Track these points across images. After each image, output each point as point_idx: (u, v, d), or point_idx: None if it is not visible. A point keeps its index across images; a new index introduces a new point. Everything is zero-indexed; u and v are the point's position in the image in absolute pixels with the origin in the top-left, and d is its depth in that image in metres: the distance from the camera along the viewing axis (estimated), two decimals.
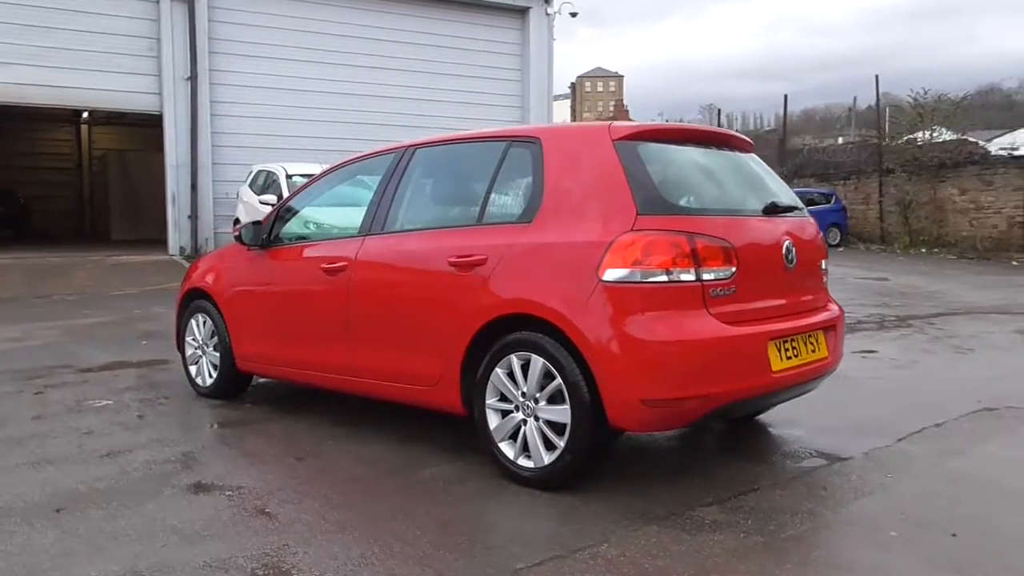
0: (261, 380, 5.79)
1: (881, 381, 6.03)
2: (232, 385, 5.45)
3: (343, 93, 17.28)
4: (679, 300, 3.42)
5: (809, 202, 21.72)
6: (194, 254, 15.73)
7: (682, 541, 3.11)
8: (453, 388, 3.96)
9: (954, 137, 19.91)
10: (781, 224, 4.00)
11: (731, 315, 3.52)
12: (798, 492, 3.64)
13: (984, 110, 61.07)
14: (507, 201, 4.00)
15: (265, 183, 14.50)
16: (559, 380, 3.53)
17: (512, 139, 4.06)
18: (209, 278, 5.50)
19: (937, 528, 3.25)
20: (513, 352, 3.70)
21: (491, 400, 3.81)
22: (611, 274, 3.42)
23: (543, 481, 3.63)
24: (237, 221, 14.09)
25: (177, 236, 16.40)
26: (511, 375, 3.73)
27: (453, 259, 3.94)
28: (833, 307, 4.35)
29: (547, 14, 17.58)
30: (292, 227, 5.12)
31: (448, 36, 17.37)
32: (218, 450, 4.38)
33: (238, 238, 5.16)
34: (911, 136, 20.39)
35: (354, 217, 4.82)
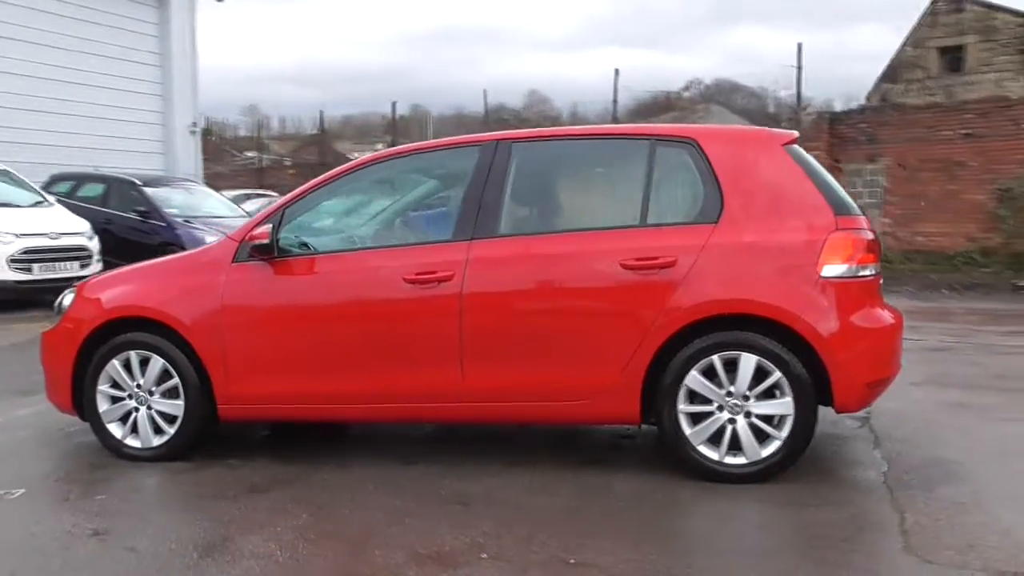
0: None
1: None
2: (195, 440, 4.24)
3: None
4: (872, 292, 3.79)
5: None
6: None
7: None
8: (630, 397, 3.75)
9: None
10: None
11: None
12: None
13: (497, 126, 70.44)
14: (672, 201, 3.91)
15: None
16: (778, 374, 3.63)
17: (656, 138, 3.97)
18: (162, 302, 4.19)
19: None
20: (715, 353, 3.68)
21: (683, 405, 3.72)
22: (829, 270, 3.64)
23: (757, 476, 3.68)
24: None
25: None
26: (710, 376, 3.69)
27: (630, 262, 3.73)
28: None
29: None
30: (317, 233, 4.20)
31: (86, 9, 14.54)
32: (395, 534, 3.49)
33: (260, 248, 4.02)
34: None
35: (414, 221, 4.17)
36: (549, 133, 4.25)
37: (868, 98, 17.74)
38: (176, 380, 4.18)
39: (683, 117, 43.31)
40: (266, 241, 4.00)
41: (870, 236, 3.78)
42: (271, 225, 4.04)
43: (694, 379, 3.70)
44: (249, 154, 38.34)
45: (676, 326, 3.68)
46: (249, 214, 14.67)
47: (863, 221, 3.83)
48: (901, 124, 14.65)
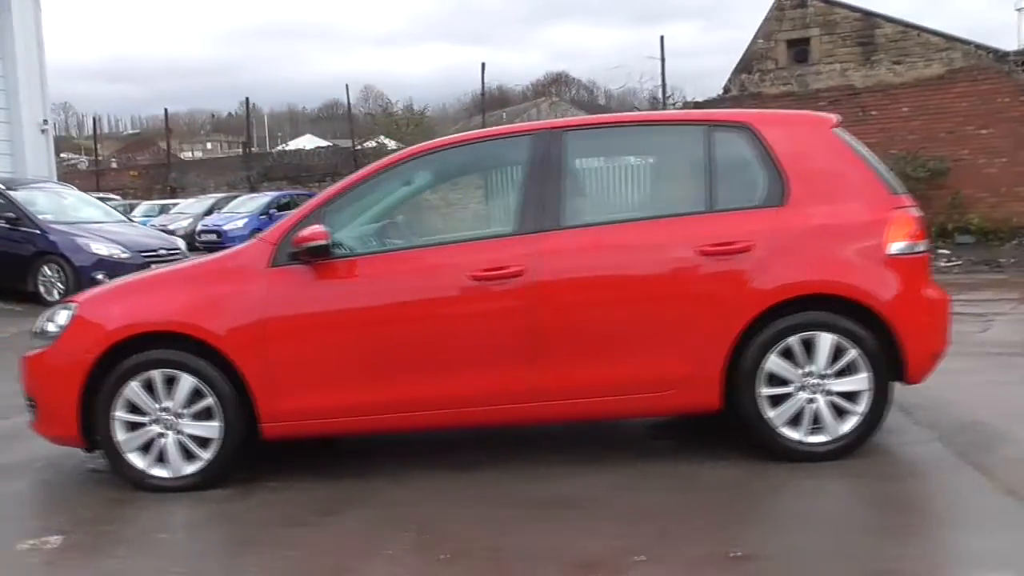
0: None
1: None
2: (232, 465, 3.84)
3: None
4: (927, 267, 3.97)
5: (295, 204, 22.08)
6: None
7: None
8: (711, 385, 3.75)
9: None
10: None
11: None
12: None
13: (331, 121, 68.65)
14: (735, 186, 3.90)
15: None
16: (854, 351, 3.74)
17: (710, 123, 3.97)
18: (190, 314, 3.74)
19: None
20: (793, 334, 3.74)
21: (763, 388, 3.76)
22: (894, 247, 3.78)
23: (837, 453, 3.78)
24: None
25: None
26: (788, 357, 3.75)
27: (707, 248, 3.72)
28: None
29: None
30: (363, 232, 3.89)
31: None
32: None
33: (314, 251, 3.65)
34: (383, 142, 22.34)
35: (467, 215, 3.95)
36: (601, 120, 4.17)
37: (727, 88, 18.73)
38: (210, 399, 3.76)
39: (523, 110, 44.14)
40: (323, 242, 3.66)
41: (919, 213, 3.97)
42: (322, 226, 3.70)
43: (773, 362, 3.74)
44: (66, 156, 35.21)
45: (756, 310, 3.71)
46: (130, 218, 13.49)
47: (910, 199, 4.02)
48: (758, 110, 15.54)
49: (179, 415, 3.78)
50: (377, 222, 4.07)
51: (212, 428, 3.78)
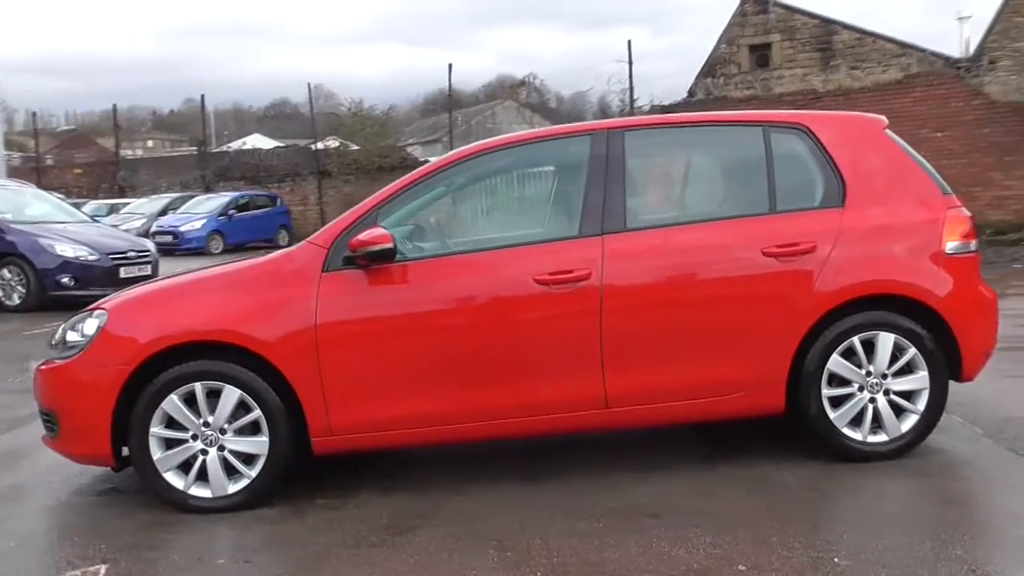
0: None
1: None
2: (277, 483, 3.65)
3: None
4: (978, 266, 3.97)
5: (254, 205, 21.62)
6: None
7: None
8: (776, 387, 3.70)
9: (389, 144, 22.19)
10: None
11: None
12: None
13: (278, 120, 67.56)
14: (794, 186, 3.85)
15: None
16: (913, 350, 3.72)
17: (768, 124, 3.92)
18: (238, 322, 3.54)
19: None
20: (855, 335, 3.71)
21: (826, 389, 3.72)
22: (950, 247, 3.78)
23: (897, 452, 3.76)
24: None
25: None
26: (849, 357, 3.72)
27: (772, 249, 3.66)
28: None
29: None
30: (418, 235, 3.73)
31: None
32: None
33: (378, 255, 3.47)
34: (344, 142, 21.98)
35: (526, 217, 3.84)
36: (659, 121, 4.09)
37: (692, 92, 18.92)
38: (257, 413, 3.56)
39: (479, 112, 43.98)
40: (389, 246, 3.49)
41: (969, 213, 3.98)
42: (382, 229, 3.53)
43: (836, 362, 3.71)
44: None
45: (821, 311, 3.67)
46: (93, 218, 12.94)
47: (959, 200, 4.03)
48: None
49: (223, 430, 3.57)
50: (432, 225, 3.91)
51: (259, 444, 3.57)
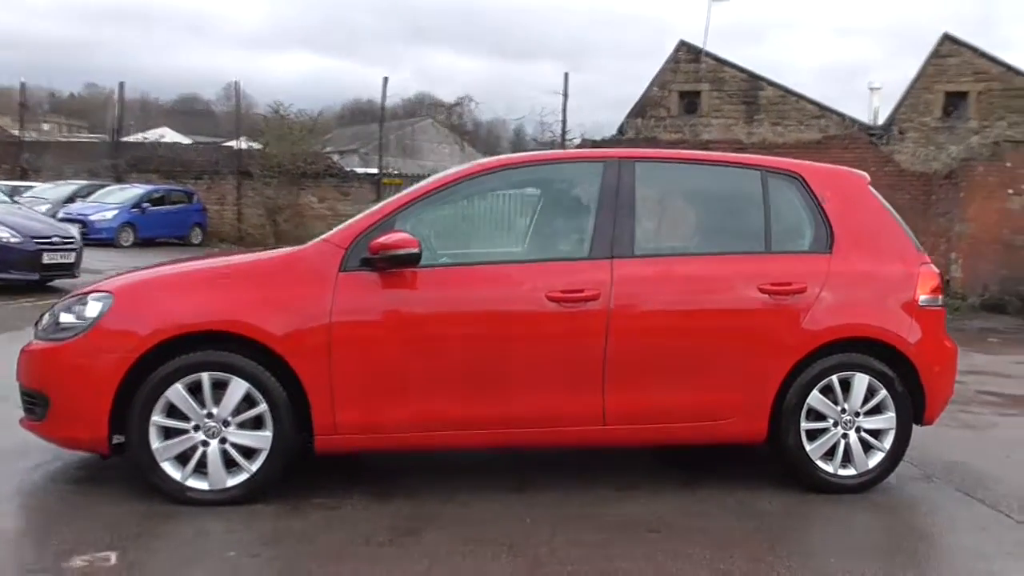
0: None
1: None
2: (276, 478, 3.62)
3: None
4: (944, 319, 4.31)
5: (170, 200, 20.88)
6: None
7: None
8: (761, 416, 3.93)
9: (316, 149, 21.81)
10: None
11: None
12: None
13: (188, 117, 65.41)
14: (787, 230, 4.12)
15: None
16: (883, 392, 4.03)
17: (766, 169, 4.17)
18: (254, 315, 3.51)
19: None
20: (834, 373, 3.98)
21: (805, 423, 3.97)
22: (923, 299, 4.11)
23: (863, 486, 4.03)
24: None
25: None
26: (828, 394, 3.99)
27: (767, 287, 3.90)
28: None
29: None
30: (432, 244, 3.79)
31: None
32: None
33: (403, 258, 3.51)
34: (257, 144, 21.52)
35: (536, 234, 3.96)
36: (666, 155, 4.28)
37: (622, 130, 19.52)
38: (263, 407, 3.53)
39: (400, 127, 43.87)
40: (414, 251, 3.54)
41: (937, 270, 4.34)
42: (407, 234, 3.58)
43: (816, 398, 3.97)
44: None
45: (807, 348, 3.92)
46: (13, 199, 12.23)
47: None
48: None
49: (226, 422, 3.53)
50: (446, 233, 3.98)
51: (261, 438, 3.55)
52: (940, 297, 4.23)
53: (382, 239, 3.58)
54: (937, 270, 4.28)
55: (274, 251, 3.97)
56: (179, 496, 3.50)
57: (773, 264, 4.00)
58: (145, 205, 19.96)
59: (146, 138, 27.16)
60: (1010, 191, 14.49)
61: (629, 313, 3.78)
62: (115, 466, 3.82)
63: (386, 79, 20.58)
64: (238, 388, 3.51)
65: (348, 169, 22.32)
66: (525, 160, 4.11)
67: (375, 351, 3.62)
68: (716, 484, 4.10)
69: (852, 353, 4.01)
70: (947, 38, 17.04)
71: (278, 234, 21.23)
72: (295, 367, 3.53)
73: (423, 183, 3.91)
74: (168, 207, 20.61)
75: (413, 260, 3.58)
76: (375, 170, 21.20)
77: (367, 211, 3.89)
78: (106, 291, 3.62)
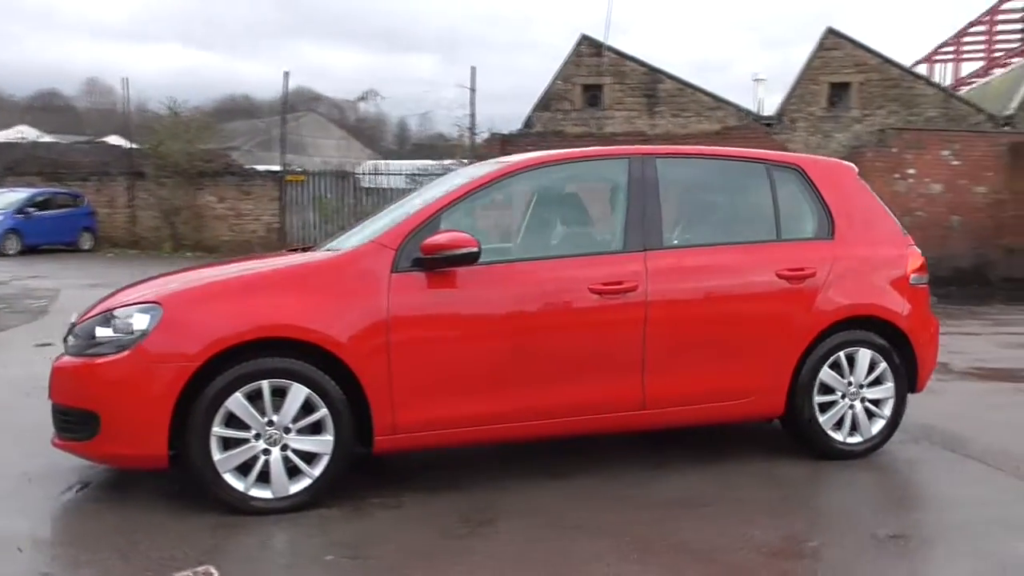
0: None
1: None
2: (336, 483, 3.62)
3: None
4: (928, 296, 4.72)
5: (55, 203, 19.67)
6: None
7: None
8: (780, 393, 4.21)
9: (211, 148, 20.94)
10: None
11: None
12: None
13: (46, 113, 61.46)
14: (793, 219, 4.40)
15: None
16: (883, 365, 4.39)
17: (770, 163, 4.46)
18: (312, 319, 3.48)
19: None
20: (842, 350, 4.32)
21: (817, 396, 4.29)
22: (913, 278, 4.51)
23: (866, 452, 4.39)
24: None
25: None
26: (836, 369, 4.32)
27: (785, 272, 4.18)
28: None
29: None
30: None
31: None
32: None
33: (463, 258, 3.54)
34: (159, 143, 20.52)
35: (574, 229, 4.12)
36: (683, 151, 4.48)
37: (529, 123, 19.80)
38: (323, 411, 3.52)
39: (278, 122, 42.78)
40: (473, 249, 3.60)
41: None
42: (466, 233, 3.64)
43: (827, 373, 4.29)
44: None
45: (819, 328, 4.24)
46: None
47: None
48: (563, 147, 16.72)
49: (287, 429, 3.50)
50: (489, 231, 4.05)
51: (323, 443, 3.54)
52: (926, 276, 4.63)
53: (438, 239, 3.63)
54: (919, 252, 4.69)
55: (316, 254, 3.92)
56: (243, 506, 3.45)
57: (785, 251, 4.29)
58: (30, 210, 18.75)
59: (11, 137, 25.51)
60: (896, 175, 15.69)
61: (664, 302, 3.98)
62: (140, 481, 3.75)
63: (287, 73, 20.09)
64: (298, 394, 3.49)
65: (248, 167, 21.58)
66: (557, 158, 4.23)
67: (431, 349, 3.66)
68: (734, 459, 4.36)
69: (856, 330, 4.35)
70: (831, 32, 18.18)
71: (176, 237, 20.41)
72: (356, 370, 3.53)
73: (461, 182, 3.97)
74: (55, 211, 19.43)
75: (472, 259, 3.64)
76: (276, 167, 20.62)
77: (404, 211, 3.94)
78: (151, 302, 3.50)
